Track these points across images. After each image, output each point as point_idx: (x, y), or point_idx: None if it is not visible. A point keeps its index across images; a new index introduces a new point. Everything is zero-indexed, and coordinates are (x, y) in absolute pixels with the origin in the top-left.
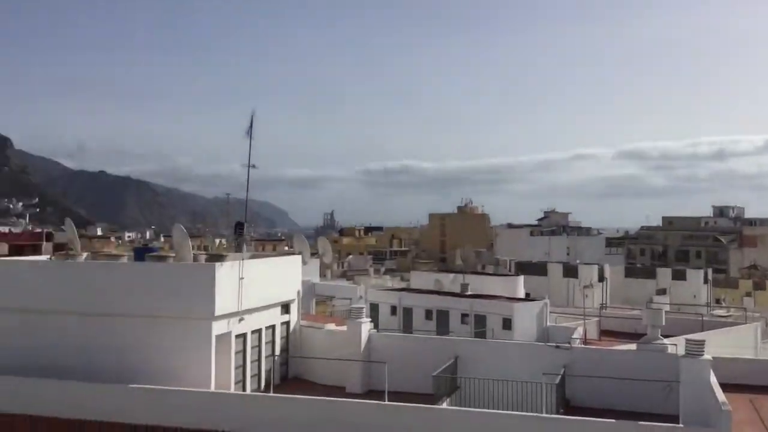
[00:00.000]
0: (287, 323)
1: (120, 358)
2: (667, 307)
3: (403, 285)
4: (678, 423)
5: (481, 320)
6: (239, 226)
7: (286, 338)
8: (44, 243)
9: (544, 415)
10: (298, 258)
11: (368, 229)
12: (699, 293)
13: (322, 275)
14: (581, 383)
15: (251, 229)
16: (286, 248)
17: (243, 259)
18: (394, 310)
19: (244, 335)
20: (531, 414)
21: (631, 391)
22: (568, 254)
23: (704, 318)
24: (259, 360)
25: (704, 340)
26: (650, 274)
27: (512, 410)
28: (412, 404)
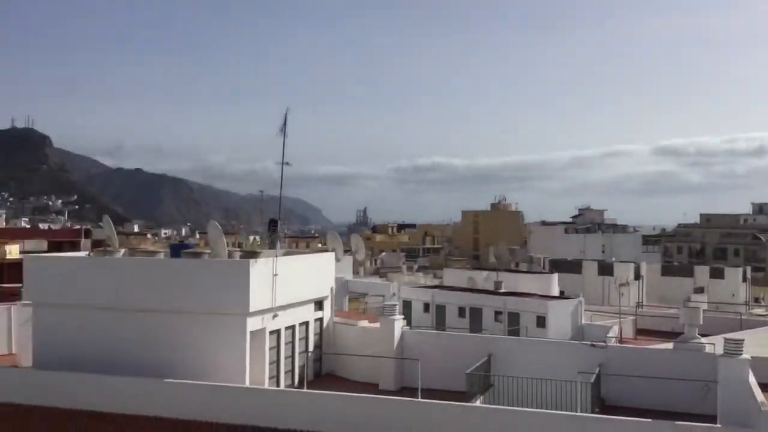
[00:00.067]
0: (320, 320)
1: (155, 353)
2: (705, 306)
3: (436, 282)
4: (716, 423)
5: (514, 318)
6: (273, 223)
7: (320, 335)
8: (83, 240)
9: (579, 414)
10: (331, 255)
11: (401, 227)
12: (737, 292)
13: (355, 272)
14: (617, 382)
15: (285, 226)
16: (320, 245)
17: (277, 256)
18: (427, 307)
19: (278, 331)
20: (566, 413)
21: (667, 390)
22: (603, 252)
23: (743, 317)
24: (292, 356)
25: (743, 340)
26: (688, 273)
27: (546, 409)
28: (445, 401)
